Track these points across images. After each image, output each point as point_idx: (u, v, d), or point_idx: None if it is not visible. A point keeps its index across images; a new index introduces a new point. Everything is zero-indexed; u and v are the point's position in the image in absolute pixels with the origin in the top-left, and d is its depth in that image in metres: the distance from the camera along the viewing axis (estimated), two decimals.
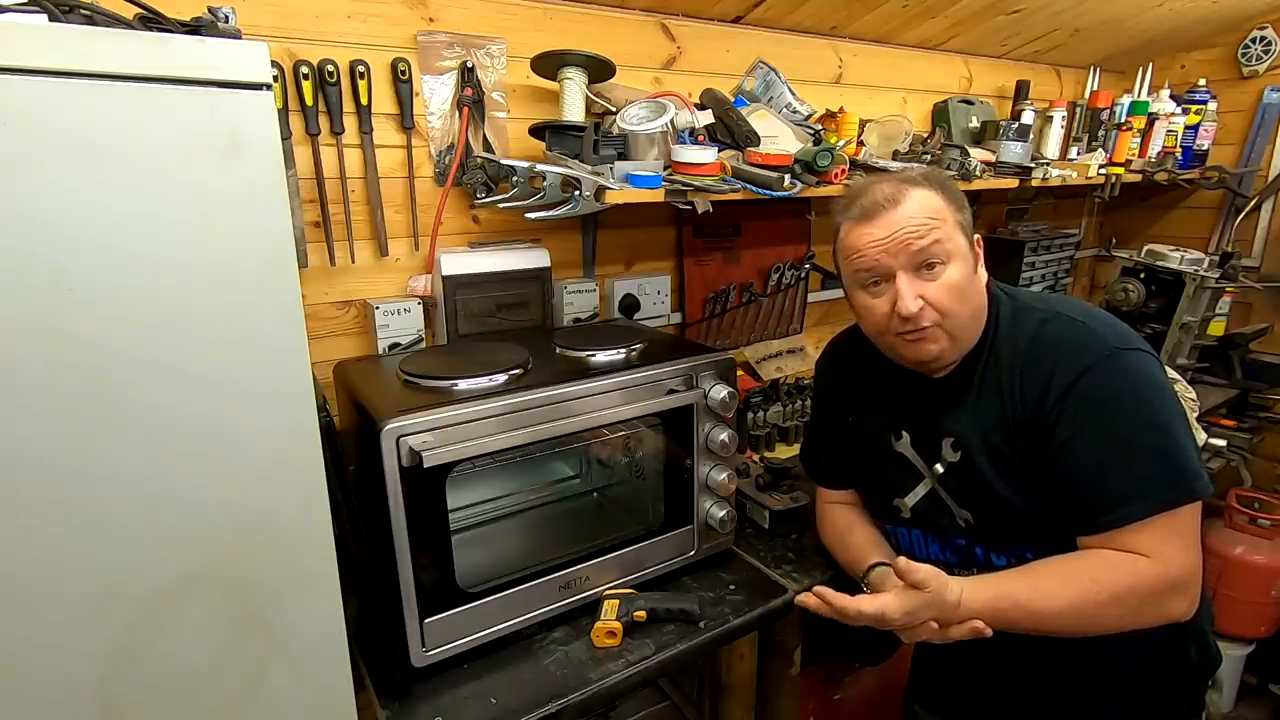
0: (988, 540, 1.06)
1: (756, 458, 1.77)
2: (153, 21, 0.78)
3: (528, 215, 1.35)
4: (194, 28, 0.78)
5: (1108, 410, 0.91)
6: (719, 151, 1.47)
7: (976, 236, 1.06)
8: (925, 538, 1.14)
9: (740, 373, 1.69)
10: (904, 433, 1.12)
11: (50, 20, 0.68)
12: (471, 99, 1.44)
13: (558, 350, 1.31)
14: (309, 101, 1.29)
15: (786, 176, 1.50)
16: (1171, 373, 1.02)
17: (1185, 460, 0.89)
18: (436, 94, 1.43)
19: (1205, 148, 2.54)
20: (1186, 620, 0.92)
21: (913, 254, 0.97)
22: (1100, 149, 2.34)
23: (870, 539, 1.18)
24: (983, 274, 1.07)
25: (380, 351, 1.41)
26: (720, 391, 1.24)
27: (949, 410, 1.05)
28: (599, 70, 1.47)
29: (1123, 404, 0.90)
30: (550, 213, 1.34)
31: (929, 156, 1.86)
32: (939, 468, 1.07)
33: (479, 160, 1.41)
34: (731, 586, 1.30)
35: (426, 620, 1.06)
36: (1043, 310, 1.02)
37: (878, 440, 1.16)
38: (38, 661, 0.74)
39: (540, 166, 1.32)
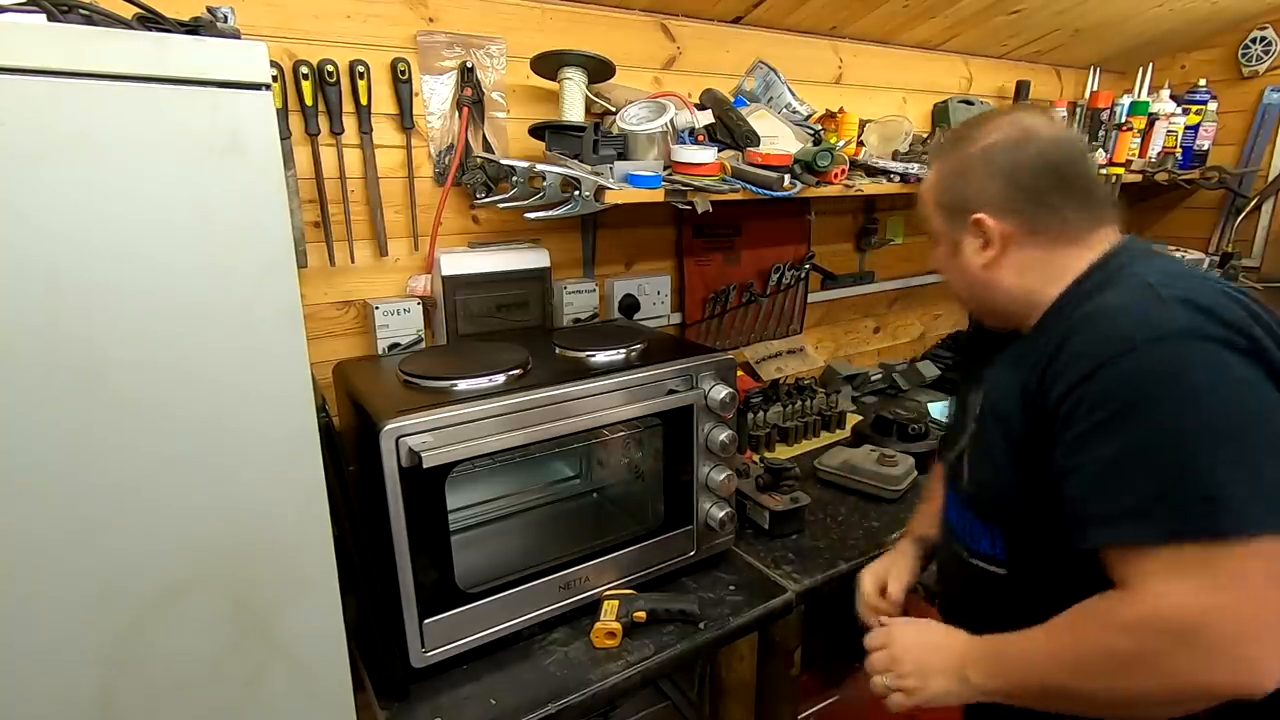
0: (976, 511, 0.95)
1: (756, 458, 1.77)
2: (151, 21, 0.78)
3: (527, 215, 1.35)
4: (193, 28, 0.77)
5: (1116, 414, 0.73)
6: (719, 151, 1.47)
7: (976, 217, 0.89)
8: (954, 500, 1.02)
9: (740, 373, 1.69)
10: (967, 386, 1.03)
11: (49, 20, 0.68)
12: (471, 99, 1.44)
13: (557, 350, 1.31)
14: (308, 101, 1.29)
15: (786, 176, 1.50)
16: None
17: (1204, 484, 0.68)
18: (436, 94, 1.43)
19: (1205, 148, 2.54)
20: (1239, 696, 0.66)
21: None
22: (1100, 149, 2.34)
23: (927, 514, 1.15)
24: (981, 259, 0.91)
25: (380, 352, 1.41)
26: (720, 392, 1.24)
27: (991, 365, 0.94)
28: (599, 70, 1.47)
29: (1136, 411, 0.72)
30: (550, 213, 1.34)
31: (929, 157, 1.86)
32: (972, 425, 0.95)
33: (479, 160, 1.41)
34: (731, 587, 1.30)
35: (426, 621, 1.06)
36: (1115, 284, 0.83)
37: (961, 398, 1.07)
38: (37, 666, 0.74)
39: (540, 166, 1.31)
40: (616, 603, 1.18)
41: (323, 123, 1.32)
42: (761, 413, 1.83)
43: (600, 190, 1.32)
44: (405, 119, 1.40)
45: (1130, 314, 0.76)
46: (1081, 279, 0.85)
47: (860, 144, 1.88)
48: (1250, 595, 0.66)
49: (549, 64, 1.45)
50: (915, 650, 0.91)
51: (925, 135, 2.01)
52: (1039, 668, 0.79)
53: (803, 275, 2.07)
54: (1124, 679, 0.72)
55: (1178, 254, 2.28)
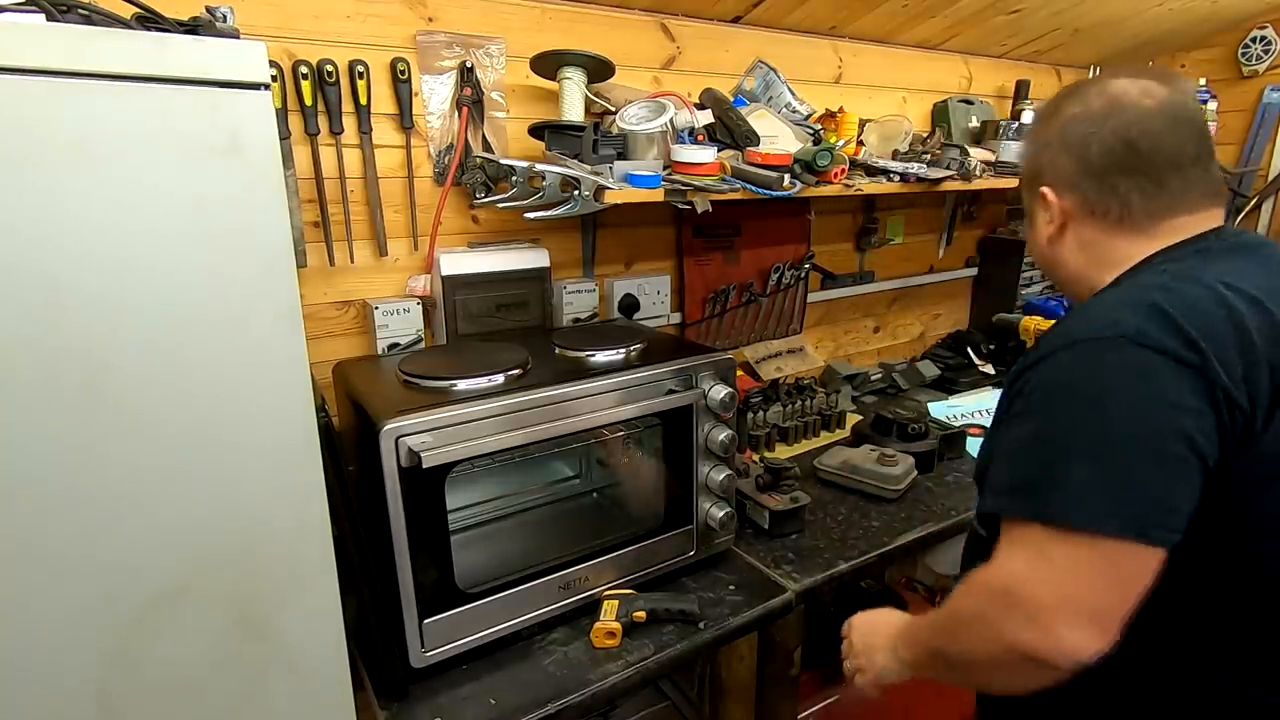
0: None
1: (756, 458, 1.77)
2: (150, 21, 0.78)
3: (527, 215, 1.35)
4: (192, 27, 0.77)
5: (1029, 402, 0.77)
6: (718, 151, 1.47)
7: (1042, 190, 0.88)
8: None
9: (740, 373, 1.69)
10: None
11: (48, 20, 0.68)
12: (471, 99, 1.44)
13: (557, 350, 1.31)
14: (308, 101, 1.29)
15: (786, 176, 1.50)
16: None
17: (1068, 481, 0.70)
18: (436, 94, 1.43)
19: None
20: (1039, 661, 0.69)
21: None
22: None
23: None
24: (1046, 233, 0.91)
25: (379, 352, 1.41)
26: (720, 392, 1.24)
27: None
28: (598, 70, 1.47)
29: (1040, 402, 0.76)
30: (549, 212, 1.34)
31: (929, 156, 1.86)
32: None
33: (478, 160, 1.41)
34: (731, 587, 1.30)
35: (426, 621, 1.06)
36: (1132, 279, 0.84)
37: None
38: (37, 668, 0.74)
39: (540, 166, 1.31)
40: (616, 603, 1.18)
41: (322, 122, 1.32)
42: (761, 412, 1.83)
43: (600, 190, 1.32)
44: (405, 119, 1.40)
45: (1094, 312, 0.77)
46: (1132, 270, 0.83)
47: (860, 143, 1.88)
48: (1073, 580, 0.70)
49: (549, 64, 1.45)
50: (863, 633, 1.00)
51: (925, 135, 2.00)
52: (925, 633, 0.87)
53: (802, 275, 2.07)
54: (964, 637, 0.77)
55: None
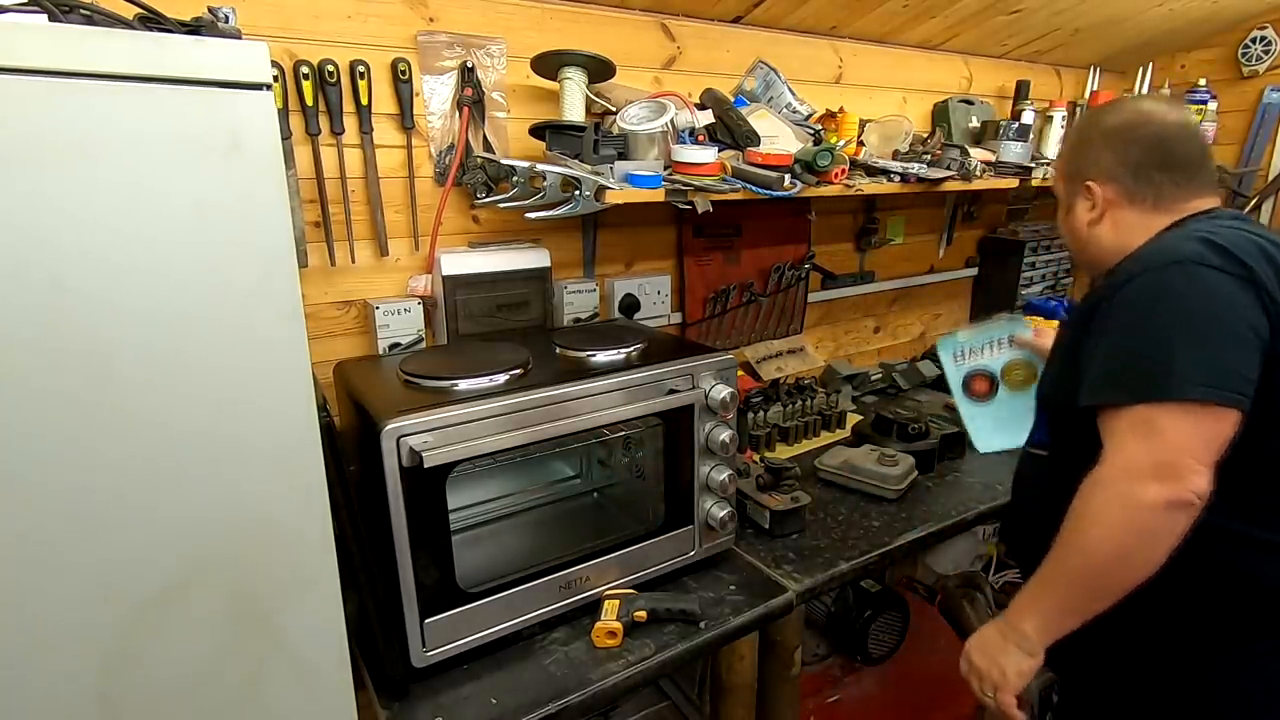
0: (1042, 406, 1.16)
1: (756, 458, 1.77)
2: (153, 21, 0.78)
3: (528, 215, 1.35)
4: (194, 28, 0.78)
5: (1120, 315, 0.96)
6: (719, 151, 1.47)
7: (1088, 184, 1.09)
8: None
9: (740, 373, 1.69)
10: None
11: (50, 20, 0.68)
12: (471, 99, 1.44)
13: (558, 350, 1.31)
14: (309, 101, 1.29)
15: (786, 176, 1.50)
16: None
17: (1163, 363, 0.88)
18: (437, 94, 1.43)
19: None
20: (1177, 504, 0.86)
21: None
22: None
23: None
24: (1087, 218, 1.10)
25: (380, 351, 1.41)
26: (721, 391, 1.24)
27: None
28: (599, 70, 1.47)
29: (1130, 312, 0.95)
30: (550, 213, 1.34)
31: (929, 156, 1.86)
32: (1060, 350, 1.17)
33: (479, 160, 1.41)
34: (732, 586, 1.30)
35: (427, 620, 1.06)
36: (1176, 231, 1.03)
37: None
38: (38, 663, 0.74)
39: (540, 166, 1.32)
40: (617, 602, 1.18)
41: (323, 122, 1.32)
42: (761, 412, 1.83)
43: (601, 190, 1.32)
44: (406, 119, 1.40)
45: (1158, 248, 0.98)
46: (1162, 231, 1.03)
47: (860, 144, 1.88)
48: (1182, 439, 0.88)
49: (549, 64, 1.45)
50: (979, 647, 1.05)
51: (925, 135, 2.01)
52: (1048, 573, 0.96)
53: (803, 275, 2.07)
54: (1102, 528, 0.90)
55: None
